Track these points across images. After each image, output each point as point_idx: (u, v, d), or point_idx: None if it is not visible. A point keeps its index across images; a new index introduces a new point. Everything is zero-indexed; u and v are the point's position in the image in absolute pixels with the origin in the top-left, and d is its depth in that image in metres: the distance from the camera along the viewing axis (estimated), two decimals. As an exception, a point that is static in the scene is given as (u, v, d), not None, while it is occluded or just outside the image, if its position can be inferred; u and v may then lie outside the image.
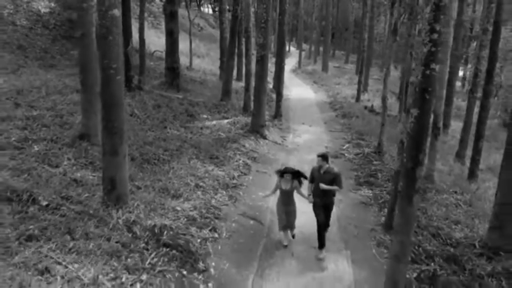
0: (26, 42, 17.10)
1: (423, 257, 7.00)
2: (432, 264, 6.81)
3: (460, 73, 34.13)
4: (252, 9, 20.83)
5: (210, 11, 52.16)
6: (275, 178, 10.12)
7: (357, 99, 22.98)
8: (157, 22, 26.70)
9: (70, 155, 8.12)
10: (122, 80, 6.39)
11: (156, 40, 24.64)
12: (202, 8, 50.85)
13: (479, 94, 13.74)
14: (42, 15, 20.00)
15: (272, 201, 8.27)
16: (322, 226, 6.91)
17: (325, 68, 36.71)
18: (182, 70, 18.36)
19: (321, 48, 43.56)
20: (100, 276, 5.02)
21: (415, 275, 6.46)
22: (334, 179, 6.79)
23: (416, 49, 9.68)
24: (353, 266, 6.63)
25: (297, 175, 7.01)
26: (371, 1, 26.02)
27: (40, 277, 4.81)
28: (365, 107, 20.83)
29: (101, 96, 6.48)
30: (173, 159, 9.54)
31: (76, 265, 5.12)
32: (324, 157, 6.91)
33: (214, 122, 13.56)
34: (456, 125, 20.39)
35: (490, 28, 12.11)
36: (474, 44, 29.86)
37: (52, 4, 21.09)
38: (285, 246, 7.03)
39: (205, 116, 14.11)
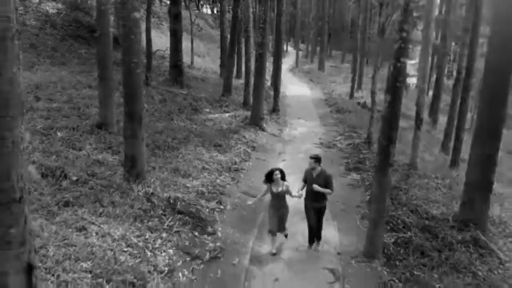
0: (37, 41, 18.11)
1: (401, 227, 8.05)
2: (409, 232, 7.86)
3: (455, 73, 35.14)
4: (251, 10, 21.89)
5: (209, 11, 53.10)
6: (272, 165, 11.26)
7: (351, 96, 24.09)
8: (159, 22, 27.74)
9: (91, 141, 9.20)
10: (141, 73, 7.44)
11: (157, 40, 25.69)
12: (201, 9, 51.83)
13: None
14: (50, 16, 21.01)
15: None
16: (313, 230, 6.93)
17: (321, 67, 37.78)
18: (184, 68, 19.41)
19: (318, 48, 44.60)
20: (128, 234, 6.09)
21: (392, 240, 7.50)
22: (326, 181, 6.69)
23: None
24: (339, 232, 7.72)
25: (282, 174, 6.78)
26: (365, 3, 27.10)
27: (78, 233, 5.86)
28: (358, 103, 21.93)
29: (123, 86, 7.53)
30: (181, 146, 10.62)
31: (106, 225, 6.19)
32: (317, 159, 6.75)
33: (216, 115, 14.66)
34: (445, 120, 21.46)
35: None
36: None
37: (60, 6, 22.10)
38: (274, 254, 6.72)
39: (207, 110, 15.21)
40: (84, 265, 5.20)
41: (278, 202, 6.74)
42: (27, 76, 13.25)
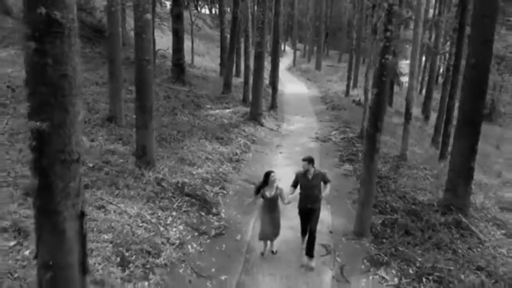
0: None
1: (388, 210, 8.78)
2: (395, 215, 8.58)
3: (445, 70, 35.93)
4: (250, 11, 22.65)
5: (207, 12, 53.76)
6: (270, 157, 12.02)
7: (347, 94, 24.87)
8: (160, 23, 28.40)
9: (103, 133, 9.92)
10: (152, 69, 8.15)
11: (158, 40, 26.37)
12: (199, 9, 52.50)
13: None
14: (54, 16, 21.62)
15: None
16: (309, 233, 6.62)
17: (318, 66, 38.54)
18: (185, 67, 20.12)
19: (315, 48, 45.33)
20: (142, 212, 6.82)
21: (380, 221, 8.23)
22: (323, 179, 6.73)
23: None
24: (332, 215, 8.45)
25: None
26: (360, 4, 27.87)
27: (98, 211, 6.58)
28: (353, 101, 22.72)
29: (135, 81, 8.24)
30: (185, 138, 11.36)
31: (123, 205, 6.90)
32: (310, 160, 6.56)
33: (217, 111, 15.43)
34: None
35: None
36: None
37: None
38: (262, 254, 6.68)
39: (209, 106, 16.00)
40: (106, 236, 5.91)
41: (271, 206, 6.44)
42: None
